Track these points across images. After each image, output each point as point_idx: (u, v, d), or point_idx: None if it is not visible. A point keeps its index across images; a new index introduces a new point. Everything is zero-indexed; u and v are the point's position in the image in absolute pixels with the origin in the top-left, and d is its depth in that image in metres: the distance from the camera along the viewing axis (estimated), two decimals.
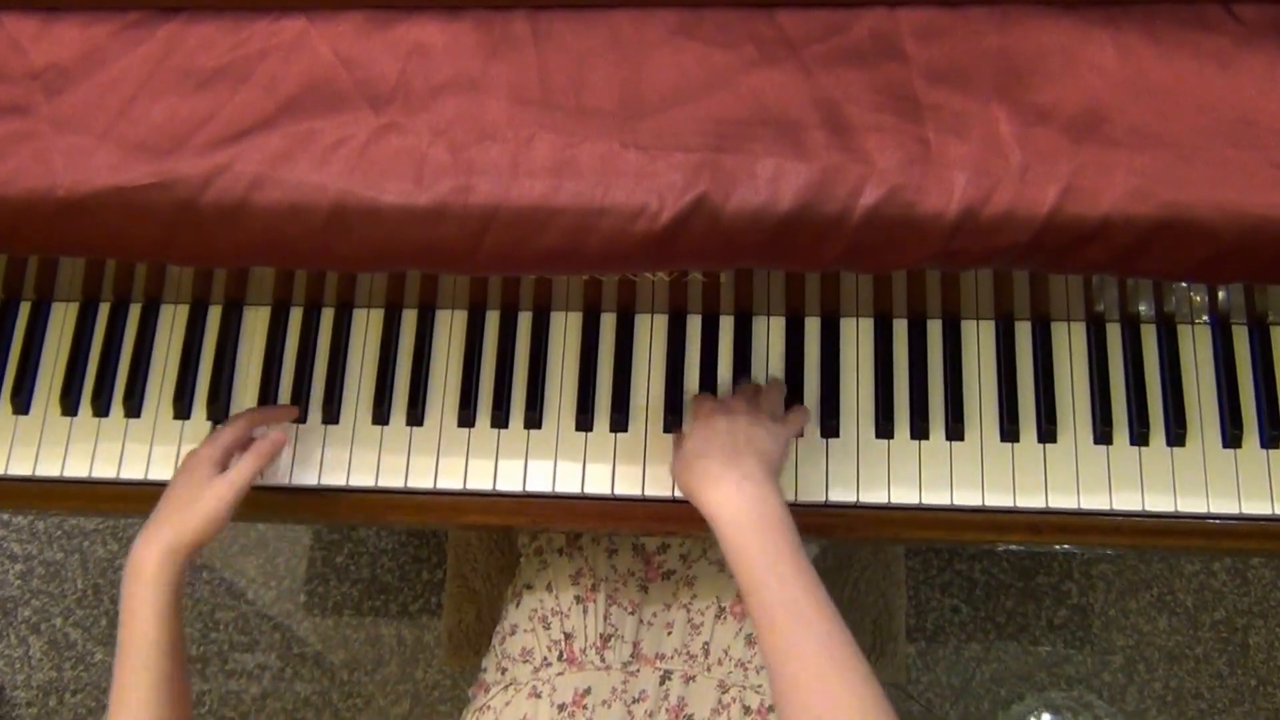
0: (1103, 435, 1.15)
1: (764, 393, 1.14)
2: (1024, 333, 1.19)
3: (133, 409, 1.21)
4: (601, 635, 1.27)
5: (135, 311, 1.25)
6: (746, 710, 1.19)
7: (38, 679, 2.18)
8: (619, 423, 1.19)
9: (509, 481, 1.18)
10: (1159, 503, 1.13)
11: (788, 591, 0.93)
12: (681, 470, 1.05)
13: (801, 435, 1.17)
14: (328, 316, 1.24)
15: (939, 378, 1.18)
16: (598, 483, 1.18)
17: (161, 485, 1.19)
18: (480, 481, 1.18)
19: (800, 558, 0.95)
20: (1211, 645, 2.09)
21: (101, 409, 1.22)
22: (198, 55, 0.90)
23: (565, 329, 1.22)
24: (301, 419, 1.21)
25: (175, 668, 1.02)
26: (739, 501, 0.98)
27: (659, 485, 1.17)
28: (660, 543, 1.34)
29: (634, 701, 1.21)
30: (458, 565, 1.87)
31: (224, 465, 1.11)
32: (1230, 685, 2.07)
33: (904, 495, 1.15)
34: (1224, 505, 1.13)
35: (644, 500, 1.18)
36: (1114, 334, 1.18)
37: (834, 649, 0.91)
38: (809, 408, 1.18)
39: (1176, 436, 1.15)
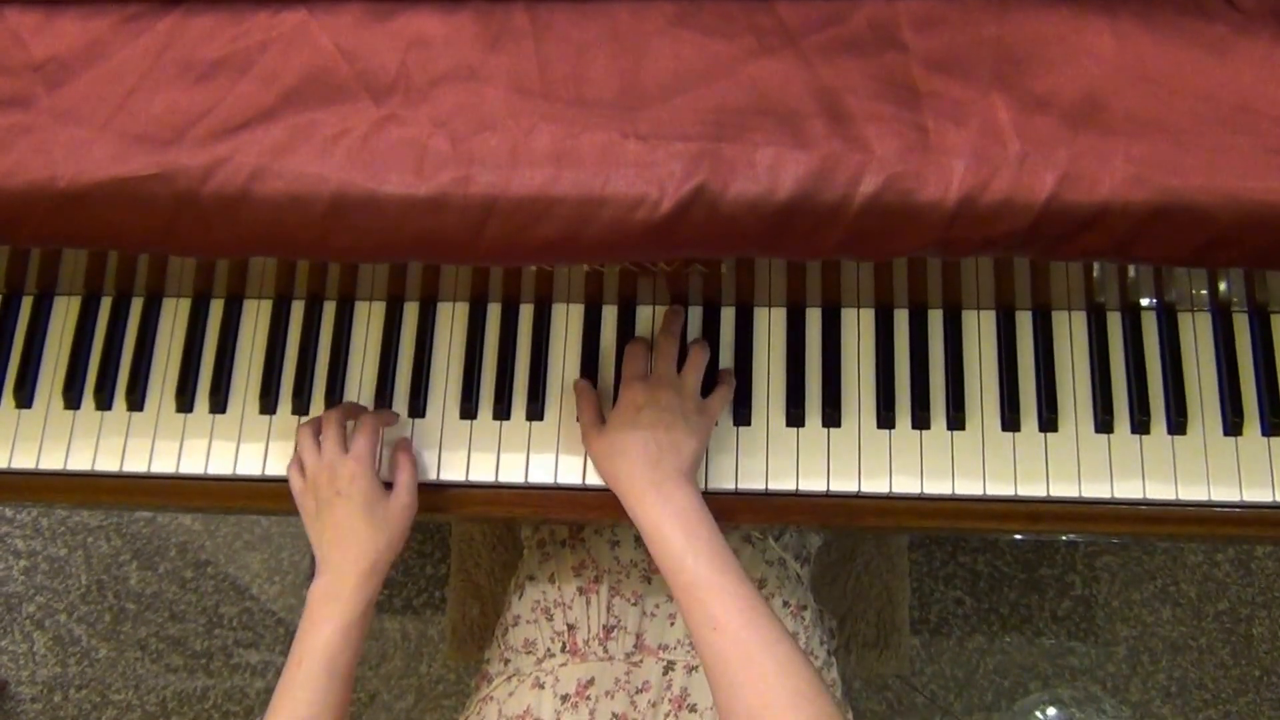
0: (1104, 424, 1.15)
1: (687, 370, 1.15)
2: (1024, 322, 1.19)
3: (136, 402, 1.22)
4: (604, 626, 1.27)
5: (137, 305, 1.26)
6: None
7: (42, 675, 2.18)
8: None
9: (511, 473, 1.19)
10: (1160, 491, 1.13)
11: (703, 568, 1.00)
12: (601, 459, 1.12)
13: (717, 423, 1.18)
14: (329, 310, 1.25)
15: (940, 368, 1.19)
16: None
17: (164, 479, 1.20)
18: (483, 473, 1.19)
19: (715, 540, 1.02)
20: (1215, 636, 2.09)
21: (104, 402, 1.22)
22: (198, 47, 0.91)
23: (567, 321, 1.23)
24: (304, 411, 1.21)
25: (345, 686, 1.07)
26: (657, 500, 1.05)
27: None
28: None
29: (637, 692, 1.21)
30: (461, 560, 1.88)
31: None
32: (1234, 676, 2.07)
33: (906, 485, 1.15)
34: (1225, 493, 1.13)
35: None
36: (1114, 322, 1.18)
37: (756, 622, 0.96)
38: (733, 383, 1.19)
39: (1177, 425, 1.15)
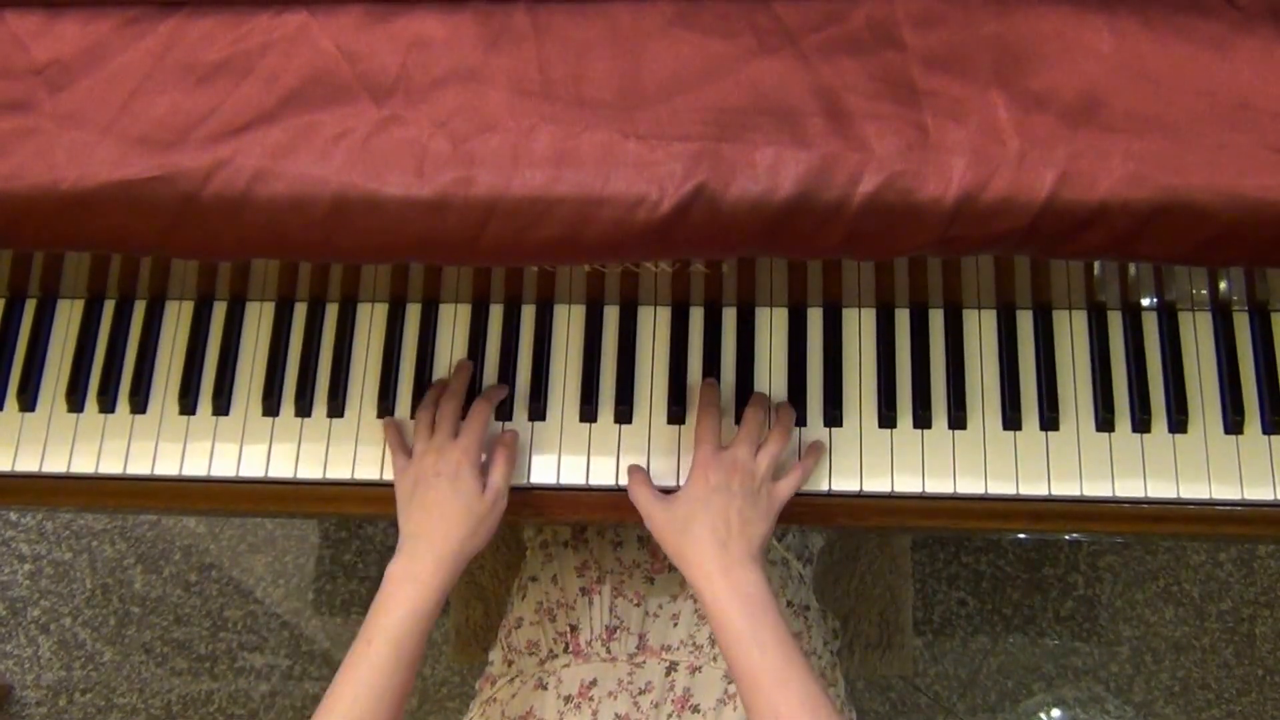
0: (1105, 422, 1.15)
1: (764, 454, 1.12)
2: (1025, 321, 1.19)
3: (139, 405, 1.22)
4: (607, 627, 1.27)
5: (140, 308, 1.26)
6: None
7: (47, 679, 2.19)
8: (623, 414, 1.19)
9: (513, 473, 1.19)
10: (1161, 489, 1.13)
11: (769, 660, 0.99)
12: (668, 534, 1.09)
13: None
14: (332, 311, 1.25)
15: (941, 367, 1.19)
16: (602, 474, 1.18)
17: (167, 481, 1.21)
18: None
19: (781, 628, 1.02)
20: (1218, 636, 2.09)
21: (108, 405, 1.22)
22: (199, 49, 0.91)
23: (569, 321, 1.23)
24: (307, 414, 1.21)
25: (409, 671, 1.05)
26: (725, 584, 1.03)
27: (664, 477, 1.17)
28: None
29: (640, 693, 1.21)
30: None
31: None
32: (1237, 675, 2.07)
33: (907, 484, 1.15)
34: (1226, 491, 1.13)
35: None
36: (1115, 321, 1.18)
37: (813, 710, 0.97)
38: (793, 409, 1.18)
39: (1178, 423, 1.15)
